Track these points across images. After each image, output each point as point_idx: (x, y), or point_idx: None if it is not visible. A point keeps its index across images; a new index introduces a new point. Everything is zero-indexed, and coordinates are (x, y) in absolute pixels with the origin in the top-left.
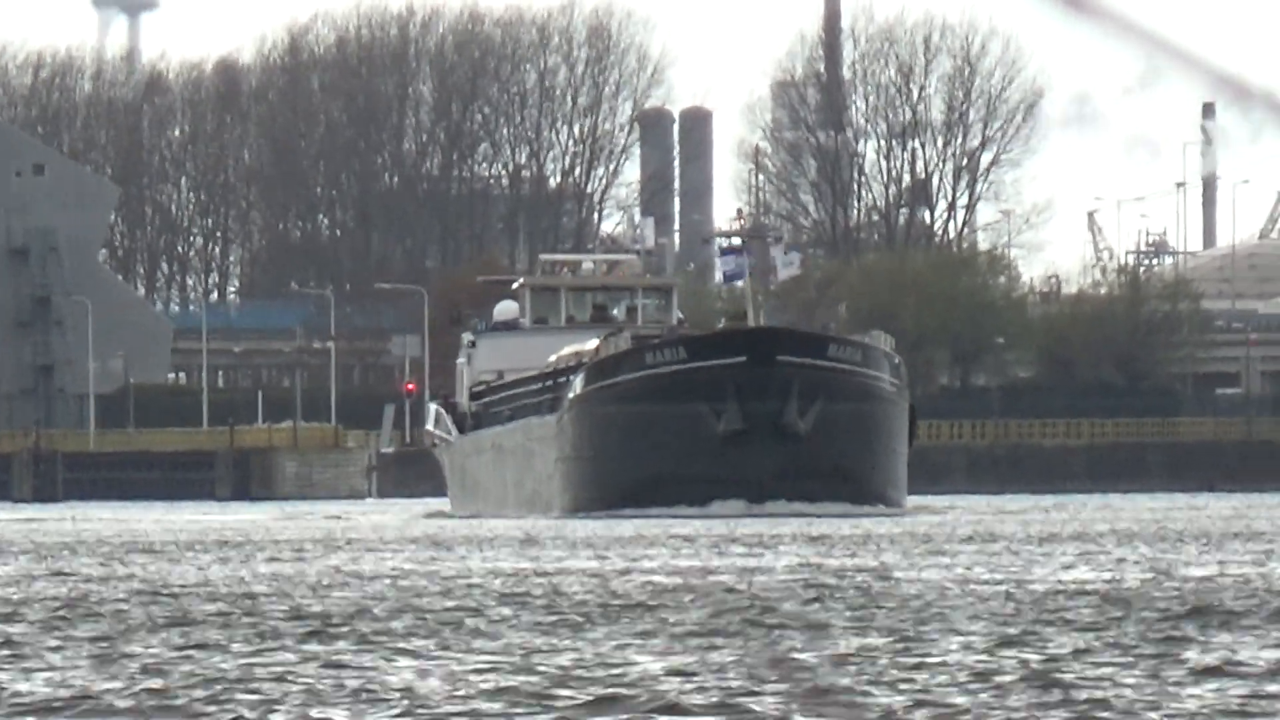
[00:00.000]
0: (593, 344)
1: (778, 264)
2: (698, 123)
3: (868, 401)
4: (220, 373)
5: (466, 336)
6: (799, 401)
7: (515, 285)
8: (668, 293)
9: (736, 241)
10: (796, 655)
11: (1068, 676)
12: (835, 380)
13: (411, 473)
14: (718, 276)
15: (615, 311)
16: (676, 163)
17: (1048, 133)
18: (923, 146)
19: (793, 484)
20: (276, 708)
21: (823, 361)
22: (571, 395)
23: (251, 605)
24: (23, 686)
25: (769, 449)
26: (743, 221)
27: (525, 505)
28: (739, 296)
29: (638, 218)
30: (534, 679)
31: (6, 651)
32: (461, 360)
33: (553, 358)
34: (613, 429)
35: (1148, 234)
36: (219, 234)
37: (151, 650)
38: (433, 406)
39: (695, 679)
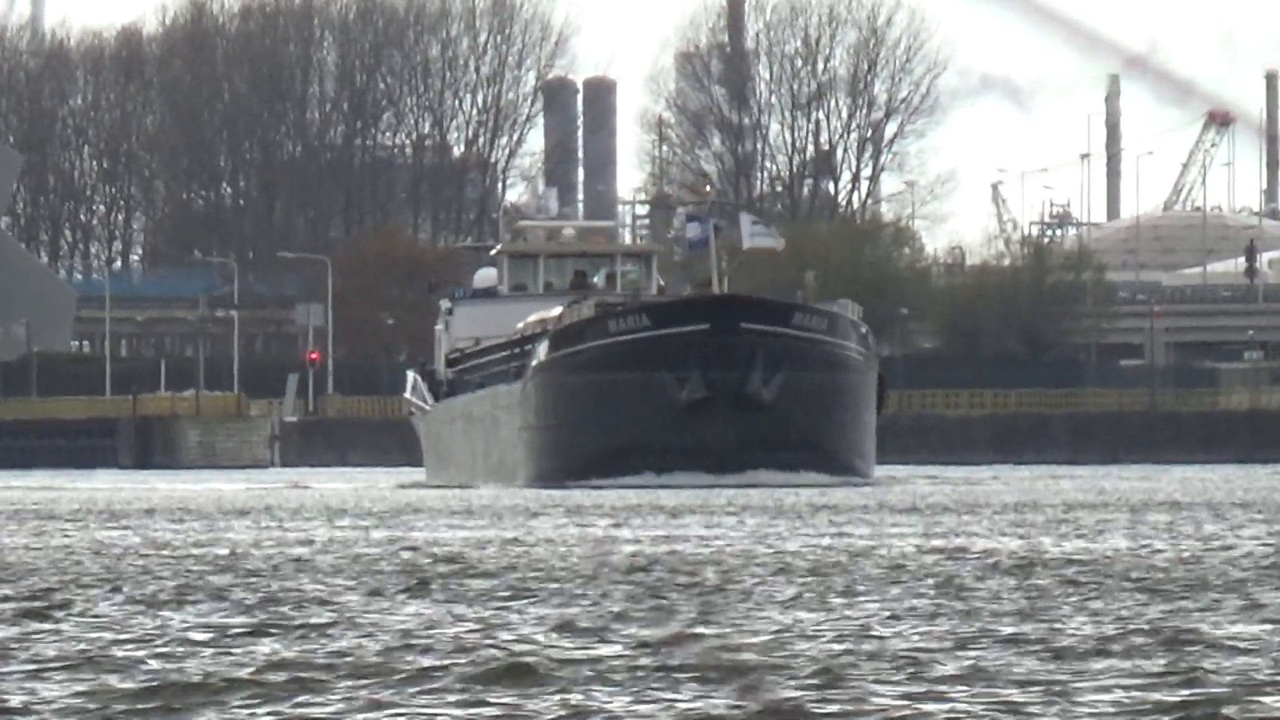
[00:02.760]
0: (557, 310)
1: (744, 232)
2: (601, 92)
3: (834, 370)
4: (123, 341)
5: (444, 303)
6: (763, 370)
7: (493, 252)
8: (647, 259)
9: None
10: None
11: None
12: (800, 349)
13: (314, 442)
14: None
15: (595, 279)
16: (580, 132)
17: (951, 104)
18: (827, 117)
19: (756, 454)
20: None
21: (787, 330)
22: (535, 363)
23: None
24: None
25: (732, 418)
26: (709, 189)
27: (492, 475)
28: (707, 263)
29: (541, 187)
30: None
31: None
32: (439, 327)
33: (520, 324)
34: (575, 397)
35: (1051, 205)
36: (122, 202)
37: None
38: (410, 374)
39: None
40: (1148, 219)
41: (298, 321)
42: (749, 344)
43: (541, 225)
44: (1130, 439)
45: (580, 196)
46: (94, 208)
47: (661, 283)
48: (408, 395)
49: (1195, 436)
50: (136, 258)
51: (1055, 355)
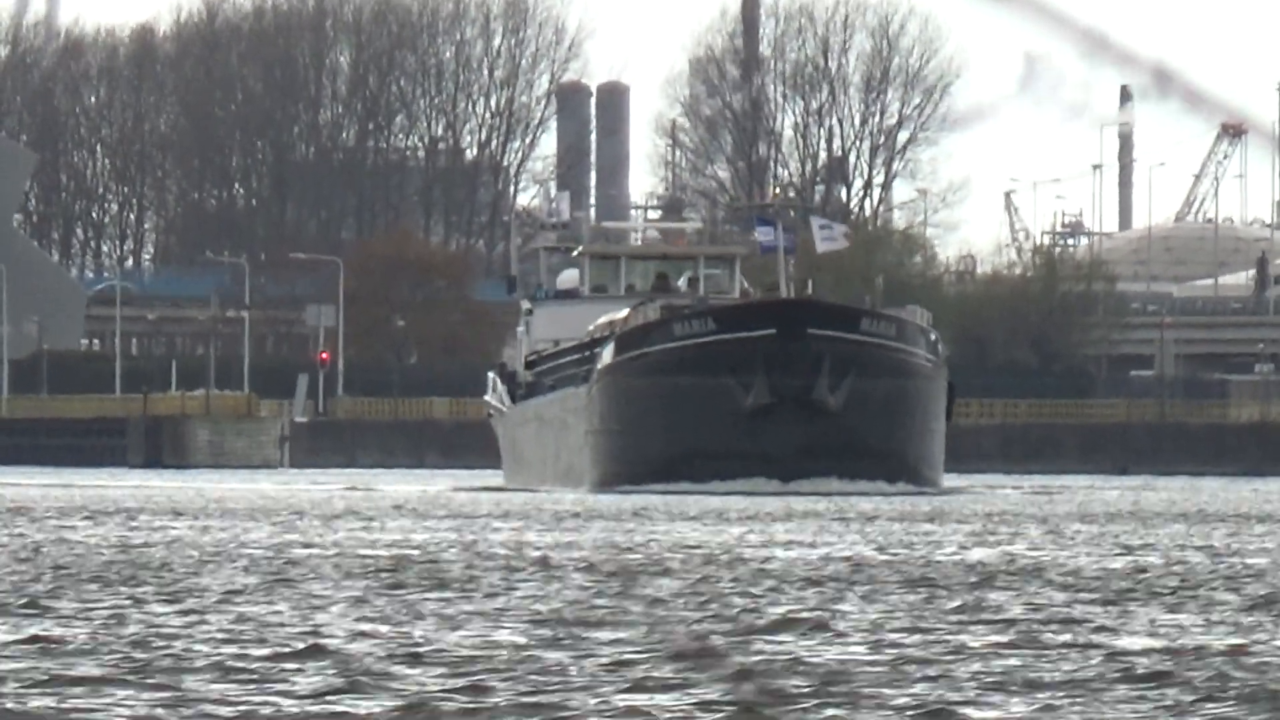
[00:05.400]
0: (625, 313)
1: (816, 236)
2: (615, 97)
3: (902, 377)
4: (134, 340)
5: (525, 304)
6: (830, 376)
7: (575, 253)
8: (730, 262)
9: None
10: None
11: None
12: (868, 355)
13: (324, 443)
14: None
15: (679, 282)
16: (593, 136)
17: (963, 113)
18: (840, 124)
19: (822, 461)
20: None
21: (855, 335)
22: (600, 366)
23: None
24: None
25: (798, 425)
26: (779, 193)
27: (561, 479)
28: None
29: (553, 191)
30: None
31: None
32: (520, 328)
33: (591, 327)
34: (639, 402)
35: (1064, 215)
36: (134, 201)
37: None
38: (490, 375)
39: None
40: (1159, 230)
41: (309, 322)
42: (816, 350)
43: (624, 226)
44: (1139, 450)
45: (592, 201)
46: (106, 206)
47: (745, 285)
48: (487, 397)
49: (1204, 448)
50: (148, 257)
51: (1065, 365)
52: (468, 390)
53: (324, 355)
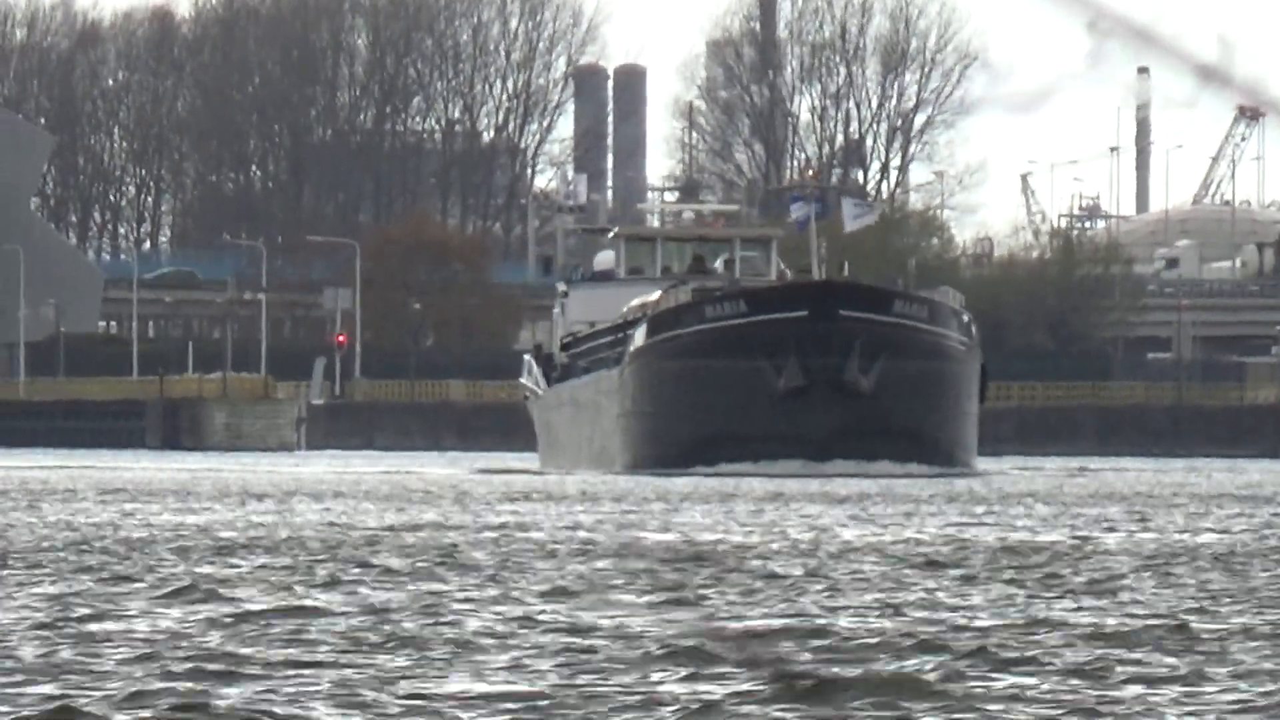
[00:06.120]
0: (657, 295)
1: (846, 215)
2: (632, 80)
3: (934, 359)
4: (151, 322)
5: (560, 286)
6: (861, 358)
7: (610, 235)
8: (767, 244)
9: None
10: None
11: None
12: (900, 337)
13: (341, 426)
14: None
15: (715, 264)
16: (610, 119)
17: (981, 96)
18: (857, 107)
19: (854, 443)
20: None
21: (887, 317)
22: (632, 348)
23: None
24: None
25: (830, 406)
26: (813, 172)
27: (594, 461)
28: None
29: (571, 174)
30: None
31: None
32: (556, 310)
33: (624, 309)
34: (671, 384)
35: (1081, 197)
36: (152, 184)
37: None
38: (526, 358)
39: None
40: (1176, 212)
41: (325, 305)
42: (848, 331)
43: (661, 208)
44: (1157, 432)
45: (609, 183)
46: (123, 189)
47: (782, 267)
48: (523, 380)
49: (1222, 430)
50: (165, 239)
51: (1082, 348)
52: (484, 373)
53: (341, 338)
